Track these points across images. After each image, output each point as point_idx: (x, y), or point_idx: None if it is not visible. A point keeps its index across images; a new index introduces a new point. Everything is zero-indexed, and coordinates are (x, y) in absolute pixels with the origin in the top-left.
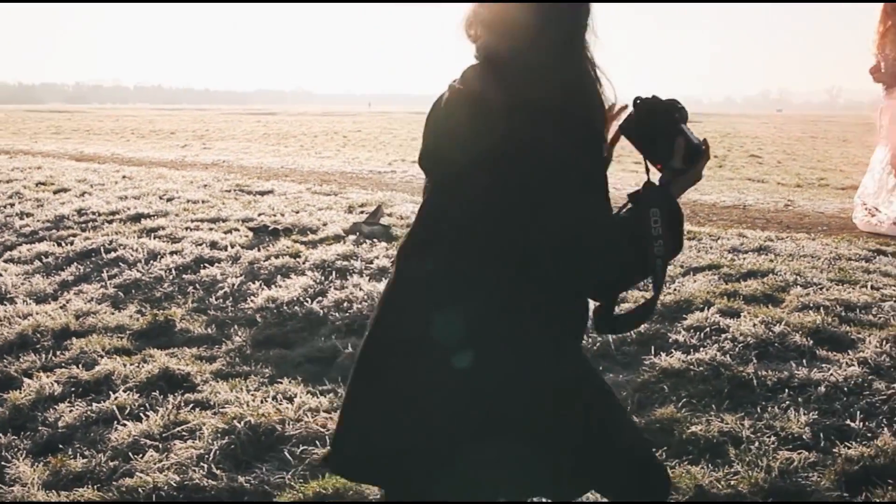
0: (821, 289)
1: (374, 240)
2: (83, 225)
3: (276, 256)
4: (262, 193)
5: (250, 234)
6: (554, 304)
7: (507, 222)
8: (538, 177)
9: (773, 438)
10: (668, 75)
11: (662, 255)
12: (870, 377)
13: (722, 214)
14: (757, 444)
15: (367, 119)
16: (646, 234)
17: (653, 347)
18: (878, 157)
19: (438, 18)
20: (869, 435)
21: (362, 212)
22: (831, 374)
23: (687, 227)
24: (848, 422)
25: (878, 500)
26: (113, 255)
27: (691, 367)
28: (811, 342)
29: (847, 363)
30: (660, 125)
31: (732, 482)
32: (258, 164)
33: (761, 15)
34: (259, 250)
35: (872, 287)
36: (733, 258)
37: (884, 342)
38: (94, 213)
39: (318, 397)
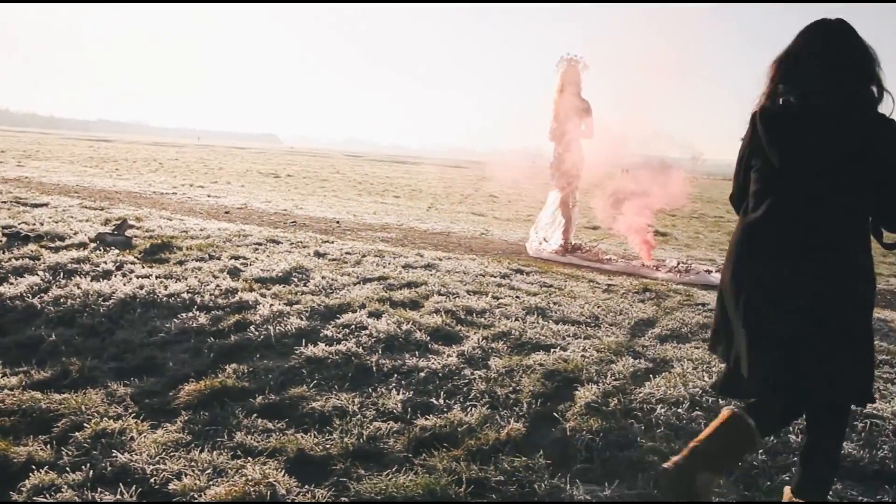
0: (455, 297)
1: (113, 248)
2: None
3: (18, 259)
4: (37, 206)
5: (3, 239)
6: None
7: (853, 197)
8: (868, 167)
9: (372, 412)
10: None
11: None
12: (462, 366)
13: (428, 238)
14: (359, 416)
15: (191, 151)
16: None
17: (304, 340)
18: (552, 198)
19: (258, 62)
20: (445, 410)
21: (115, 224)
22: (433, 363)
23: (385, 247)
24: (433, 399)
25: (432, 460)
26: None
27: (331, 355)
28: (429, 338)
29: (448, 355)
30: None
31: (327, 446)
32: (56, 182)
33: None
34: (4, 253)
35: (495, 297)
36: (402, 272)
37: (482, 339)
38: None
39: (8, 377)
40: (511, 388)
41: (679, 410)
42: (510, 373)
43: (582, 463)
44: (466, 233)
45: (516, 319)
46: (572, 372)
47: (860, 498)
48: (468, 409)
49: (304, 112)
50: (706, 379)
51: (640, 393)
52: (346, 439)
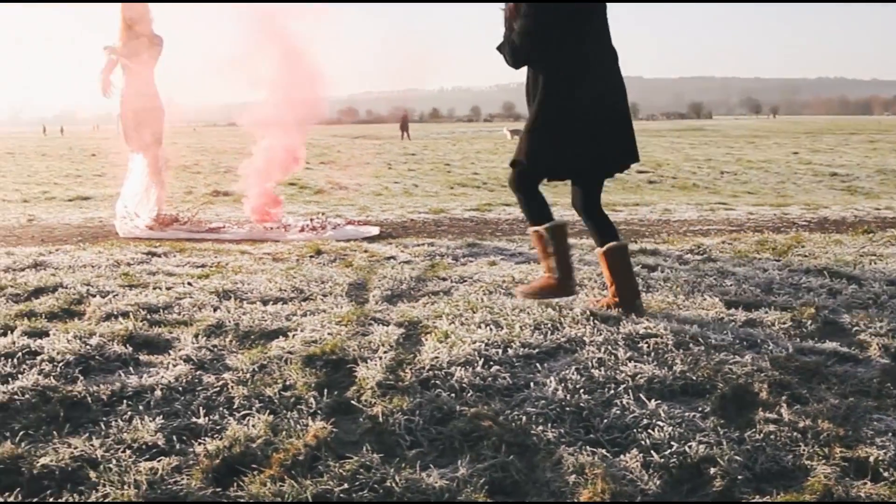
0: (116, 296)
1: None
2: None
3: None
4: None
5: None
6: None
7: None
8: None
9: (128, 452)
10: None
11: None
12: (197, 373)
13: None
14: (115, 461)
15: None
16: None
17: None
18: (136, 162)
19: None
20: (218, 428)
21: None
22: (162, 377)
23: None
24: (194, 419)
25: (249, 487)
26: None
27: (16, 397)
28: (131, 349)
29: (169, 364)
30: None
31: None
32: None
33: None
34: None
35: (166, 287)
36: (14, 277)
37: (196, 337)
38: None
39: None
40: (281, 385)
41: (478, 369)
42: (264, 368)
43: (413, 448)
44: (6, 221)
45: (214, 308)
46: (333, 353)
47: (682, 412)
48: (246, 421)
49: None
50: (478, 331)
51: (425, 360)
52: (124, 491)
